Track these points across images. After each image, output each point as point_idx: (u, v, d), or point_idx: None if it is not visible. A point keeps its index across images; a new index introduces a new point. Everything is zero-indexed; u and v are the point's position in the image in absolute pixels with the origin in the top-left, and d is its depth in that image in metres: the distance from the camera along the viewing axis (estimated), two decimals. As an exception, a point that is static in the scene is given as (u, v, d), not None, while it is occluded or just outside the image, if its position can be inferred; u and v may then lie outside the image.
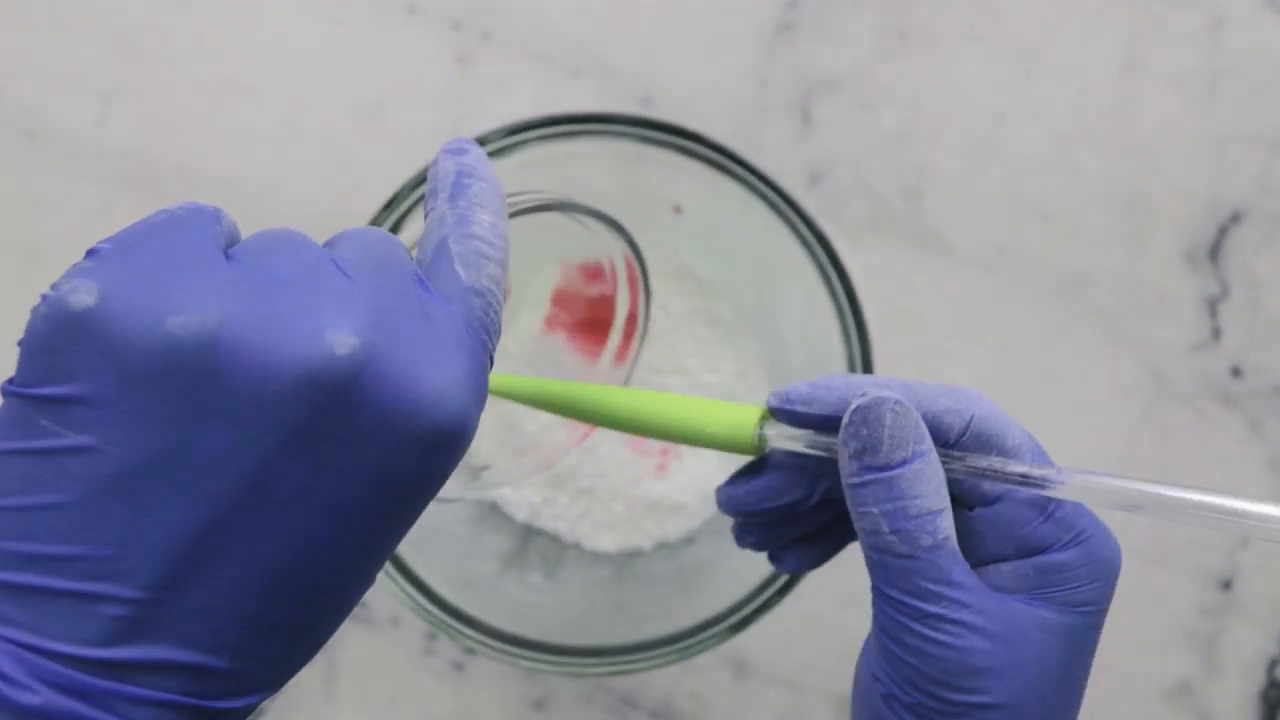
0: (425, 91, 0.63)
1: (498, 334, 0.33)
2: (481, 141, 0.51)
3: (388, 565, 0.51)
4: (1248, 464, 0.62)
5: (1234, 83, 0.63)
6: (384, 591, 0.58)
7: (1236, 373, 0.62)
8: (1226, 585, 0.62)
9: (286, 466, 0.29)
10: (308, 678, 0.62)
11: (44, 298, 0.28)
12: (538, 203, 0.39)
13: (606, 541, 0.59)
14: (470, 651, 0.55)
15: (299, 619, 0.30)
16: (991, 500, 0.36)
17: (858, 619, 0.62)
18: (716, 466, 0.59)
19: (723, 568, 0.56)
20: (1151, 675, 0.62)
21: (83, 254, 0.29)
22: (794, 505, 0.40)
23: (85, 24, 0.63)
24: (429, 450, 0.30)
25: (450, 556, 0.56)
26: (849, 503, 0.36)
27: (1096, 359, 0.62)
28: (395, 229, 0.51)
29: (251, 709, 0.30)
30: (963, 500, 0.37)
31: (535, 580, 0.58)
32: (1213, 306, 0.62)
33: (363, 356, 0.29)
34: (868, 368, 0.51)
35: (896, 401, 0.35)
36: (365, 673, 0.62)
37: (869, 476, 0.35)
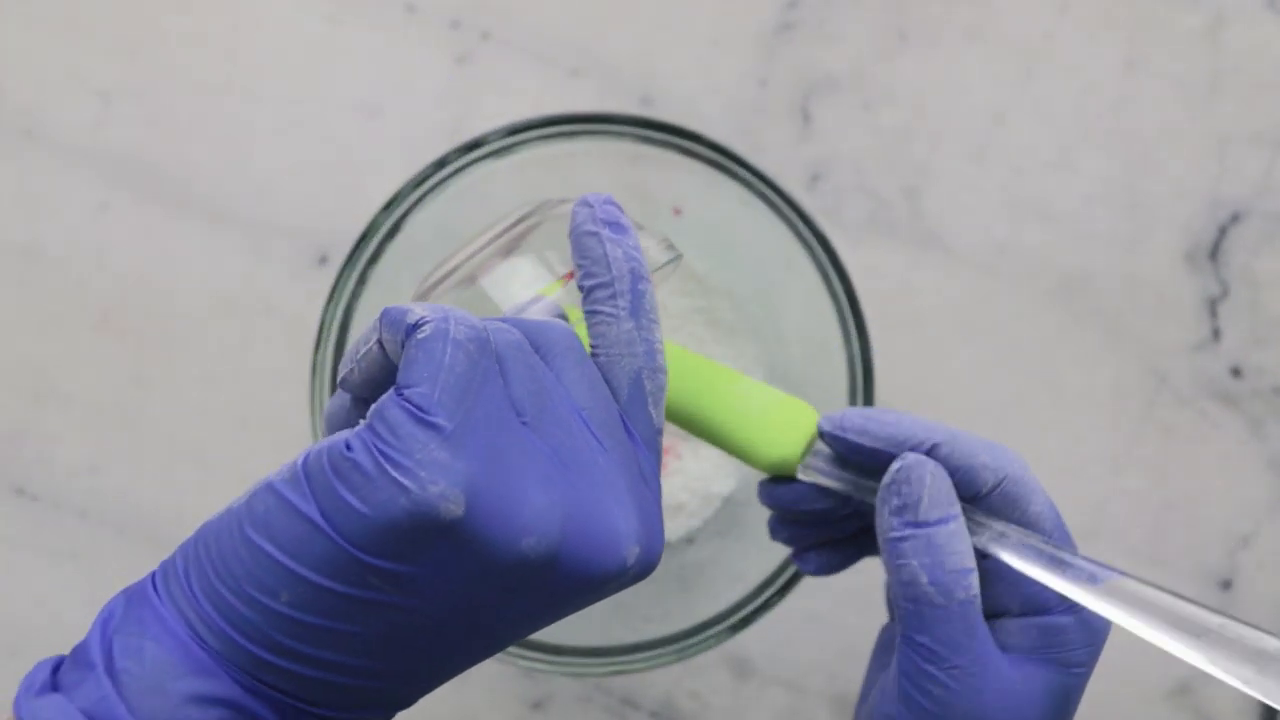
0: (425, 91, 0.63)
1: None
2: (481, 142, 0.51)
3: None
4: (1248, 464, 0.62)
5: (1235, 83, 0.63)
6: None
7: (1237, 373, 0.62)
8: (1226, 585, 0.62)
9: (538, 623, 0.35)
10: (307, 678, 0.62)
11: (402, 489, 0.30)
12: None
13: None
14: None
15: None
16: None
17: (858, 619, 0.63)
18: (717, 466, 0.59)
19: (723, 568, 0.55)
20: (1151, 675, 0.62)
21: (398, 392, 0.31)
22: (827, 511, 0.42)
23: (84, 24, 0.63)
24: (610, 591, 0.36)
25: None
26: (886, 554, 0.38)
27: (1096, 359, 0.62)
28: (395, 230, 0.51)
29: None
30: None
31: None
32: (1213, 306, 0.62)
33: (637, 558, 0.34)
34: (867, 368, 0.51)
35: (935, 465, 0.38)
36: (365, 673, 0.62)
37: (909, 531, 0.38)
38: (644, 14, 0.63)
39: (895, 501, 0.38)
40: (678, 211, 0.57)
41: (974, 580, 0.37)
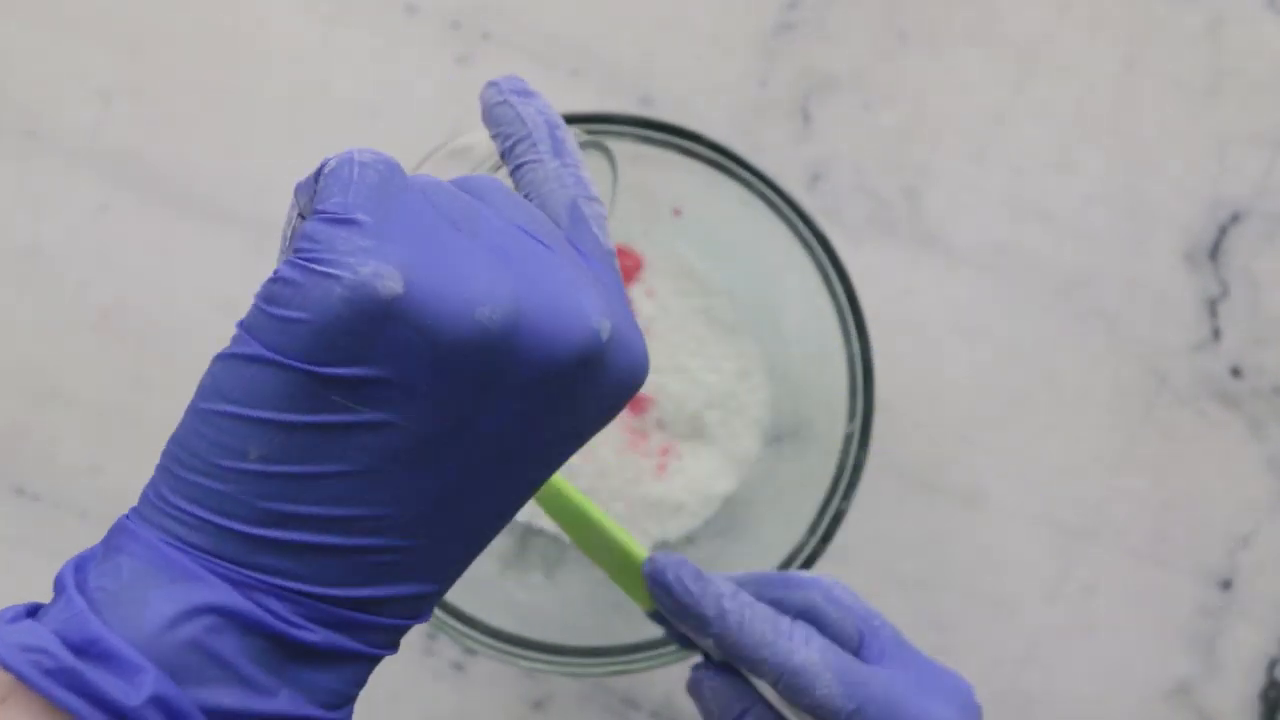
0: (425, 91, 0.63)
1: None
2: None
3: None
4: (1247, 464, 0.62)
5: (1234, 83, 0.63)
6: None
7: (1237, 373, 0.62)
8: (1226, 585, 0.62)
9: (543, 428, 0.32)
10: (307, 678, 0.62)
11: (334, 279, 0.29)
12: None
13: None
14: (470, 652, 0.55)
15: (486, 544, 0.35)
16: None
17: (858, 619, 0.62)
18: (717, 466, 0.59)
19: (723, 568, 0.55)
20: (1151, 675, 0.62)
21: (314, 214, 0.30)
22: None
23: (85, 24, 0.63)
24: (631, 395, 0.34)
25: None
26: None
27: (1096, 359, 0.62)
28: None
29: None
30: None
31: (535, 580, 0.58)
32: (1213, 306, 0.62)
33: (612, 335, 0.32)
34: (868, 368, 0.51)
35: (711, 680, 0.42)
36: (365, 673, 0.62)
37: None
38: (644, 14, 0.63)
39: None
40: (678, 212, 0.58)
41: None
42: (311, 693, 0.31)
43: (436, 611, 0.51)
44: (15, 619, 0.30)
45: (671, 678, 0.62)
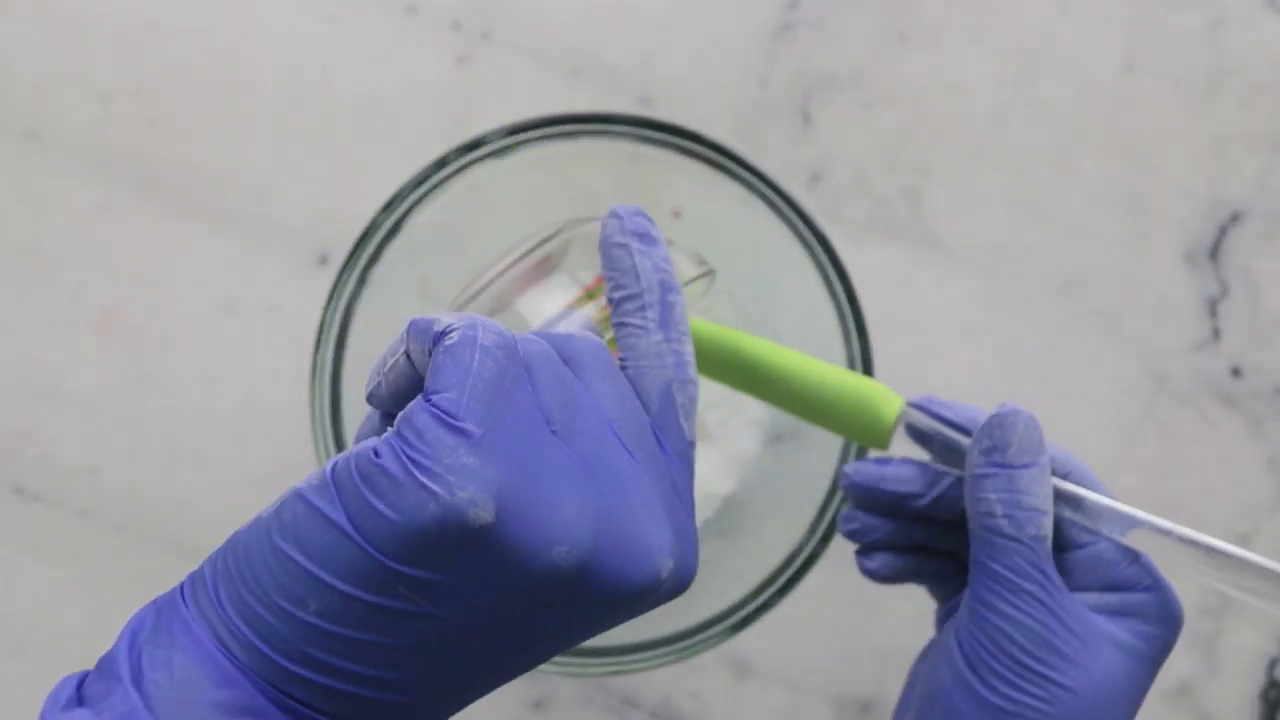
0: (425, 91, 0.63)
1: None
2: (481, 142, 0.51)
3: None
4: (1248, 464, 0.62)
5: (1234, 82, 0.63)
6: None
7: (1237, 373, 0.62)
8: (1226, 585, 0.62)
9: (574, 638, 0.34)
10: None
11: (430, 494, 0.30)
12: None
13: None
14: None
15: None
16: (1081, 545, 0.41)
17: (858, 619, 0.63)
18: (717, 467, 0.59)
19: (723, 567, 0.55)
20: (1151, 675, 0.62)
21: (426, 398, 0.31)
22: (907, 498, 0.44)
23: (85, 24, 0.63)
24: (650, 604, 0.35)
25: None
26: (969, 490, 0.41)
27: (1096, 359, 0.62)
28: (395, 230, 0.51)
29: None
30: (1058, 543, 0.41)
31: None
32: (1213, 306, 0.62)
33: (672, 570, 0.34)
34: (867, 368, 0.51)
35: (1030, 416, 0.40)
36: (365, 673, 0.62)
37: (992, 470, 0.40)
38: (644, 14, 0.63)
39: (986, 443, 0.40)
40: (677, 214, 0.57)
41: (1047, 524, 0.39)
42: None
43: None
44: (69, 706, 0.31)
45: (671, 678, 0.62)
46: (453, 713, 0.35)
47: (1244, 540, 0.62)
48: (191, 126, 0.63)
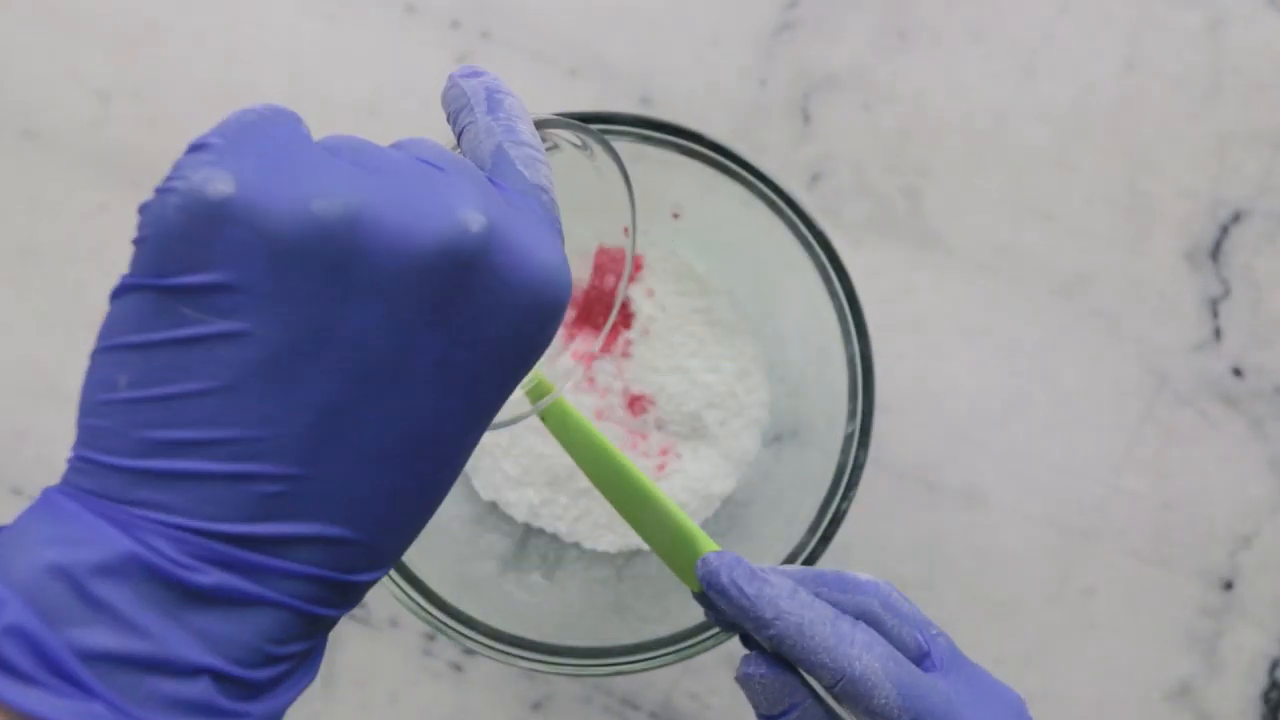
0: (424, 91, 0.63)
1: (560, 230, 0.35)
2: None
3: None
4: (1248, 464, 0.62)
5: (1235, 81, 0.63)
6: (383, 592, 0.58)
7: (1238, 373, 0.62)
8: (1228, 585, 0.62)
9: (426, 340, 0.30)
10: (307, 678, 0.62)
11: (170, 190, 0.28)
12: (558, 119, 0.40)
13: (606, 542, 0.59)
14: (470, 652, 0.55)
15: (424, 488, 0.32)
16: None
17: (858, 619, 0.62)
18: (716, 467, 0.59)
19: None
20: (1152, 676, 0.62)
21: (185, 150, 0.29)
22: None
23: (83, 23, 0.63)
24: (544, 320, 0.32)
25: (449, 557, 0.56)
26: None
27: (1097, 359, 0.62)
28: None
29: (371, 585, 0.32)
30: None
31: (534, 580, 0.58)
32: (1214, 306, 0.62)
33: (489, 234, 0.30)
34: (868, 368, 0.51)
35: (763, 675, 0.40)
36: (364, 673, 0.62)
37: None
38: (644, 14, 0.63)
39: (749, 697, 0.41)
40: (676, 215, 0.57)
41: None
42: (211, 641, 0.29)
43: (436, 613, 0.51)
44: None
45: (671, 678, 0.62)
46: (366, 502, 0.31)
47: (1245, 541, 0.62)
48: (191, 126, 0.63)
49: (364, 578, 0.32)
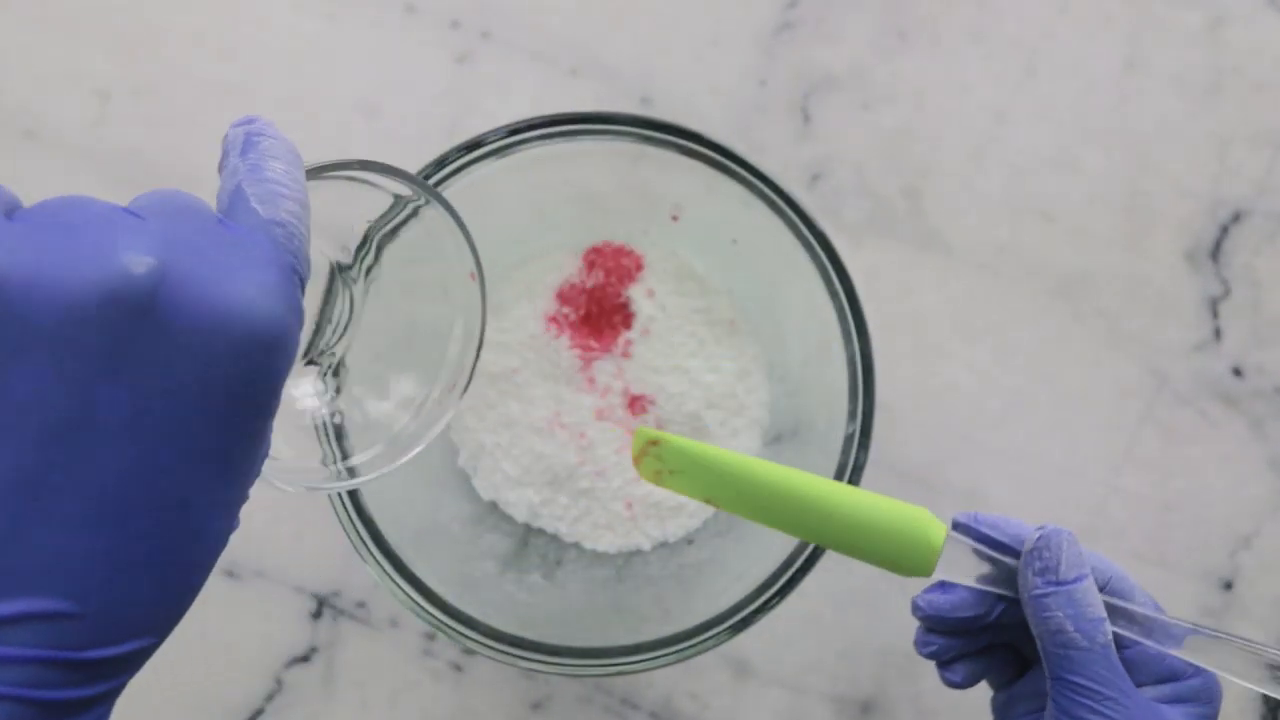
0: (424, 90, 0.63)
1: (307, 265, 0.33)
2: (480, 142, 0.51)
3: (386, 565, 0.51)
4: (1249, 464, 0.62)
5: (1235, 82, 0.63)
6: (383, 592, 0.58)
7: (1238, 373, 0.62)
8: (1228, 586, 0.62)
9: (109, 393, 0.29)
10: (306, 678, 0.62)
11: None
12: (343, 164, 0.39)
13: (606, 542, 0.59)
14: (469, 652, 0.55)
15: (155, 551, 0.30)
16: (1124, 646, 0.43)
17: (858, 619, 0.63)
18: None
19: (723, 568, 0.55)
20: (1152, 676, 0.62)
21: None
22: (974, 619, 0.45)
23: (83, 23, 0.63)
24: (247, 357, 0.30)
25: (450, 557, 0.56)
26: (1031, 611, 0.43)
27: (1097, 359, 0.62)
28: (398, 229, 0.51)
29: (135, 656, 0.30)
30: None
31: (535, 581, 0.58)
32: (1214, 306, 0.62)
33: (161, 273, 0.28)
34: (868, 368, 0.51)
35: (1070, 534, 0.43)
36: (364, 673, 0.62)
37: (1051, 589, 0.42)
38: (644, 14, 0.63)
39: (1038, 564, 0.43)
40: (676, 218, 0.57)
41: (1109, 629, 0.42)
42: None
43: (437, 613, 0.51)
44: None
45: (671, 678, 0.62)
46: (88, 568, 0.29)
47: (1245, 541, 0.62)
48: (189, 125, 0.63)
49: (105, 653, 0.30)
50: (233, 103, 0.63)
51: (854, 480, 0.51)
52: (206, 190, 0.63)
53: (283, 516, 0.62)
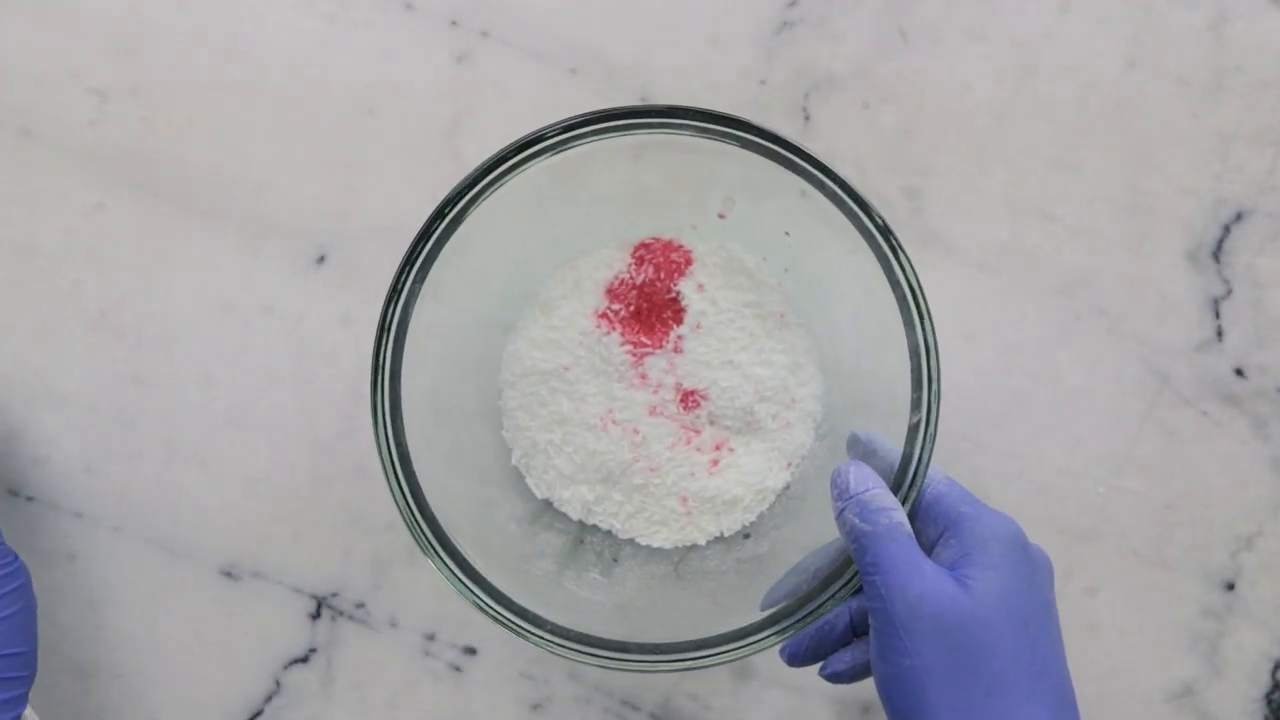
0: (423, 89, 0.63)
1: None
2: (540, 138, 0.50)
3: (452, 567, 0.51)
4: (1250, 465, 0.62)
5: (1237, 81, 0.63)
6: (383, 592, 0.57)
7: (1239, 373, 0.62)
8: (1230, 587, 0.62)
9: None
10: (305, 678, 0.62)
11: None
12: None
13: (661, 538, 0.59)
14: (543, 654, 0.54)
15: None
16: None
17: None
18: (770, 460, 0.58)
19: (782, 561, 0.55)
20: (1154, 677, 0.62)
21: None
22: (835, 643, 0.51)
23: (81, 22, 0.63)
24: None
25: (509, 556, 0.55)
26: (840, 531, 0.48)
27: (1098, 359, 0.62)
28: (452, 227, 0.50)
29: None
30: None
31: (593, 578, 0.57)
32: (1216, 306, 0.62)
33: None
34: (933, 355, 0.51)
35: (856, 463, 0.49)
36: (363, 674, 0.62)
37: (841, 503, 0.48)
38: (644, 13, 0.63)
39: (834, 491, 0.48)
40: (723, 216, 0.57)
41: (897, 516, 0.47)
42: None
43: (501, 611, 0.50)
44: None
45: (671, 679, 0.62)
46: None
47: (1247, 542, 0.62)
48: (188, 125, 0.63)
49: None
50: (230, 101, 0.63)
51: (919, 473, 0.50)
52: (201, 189, 0.62)
53: (281, 517, 0.62)
